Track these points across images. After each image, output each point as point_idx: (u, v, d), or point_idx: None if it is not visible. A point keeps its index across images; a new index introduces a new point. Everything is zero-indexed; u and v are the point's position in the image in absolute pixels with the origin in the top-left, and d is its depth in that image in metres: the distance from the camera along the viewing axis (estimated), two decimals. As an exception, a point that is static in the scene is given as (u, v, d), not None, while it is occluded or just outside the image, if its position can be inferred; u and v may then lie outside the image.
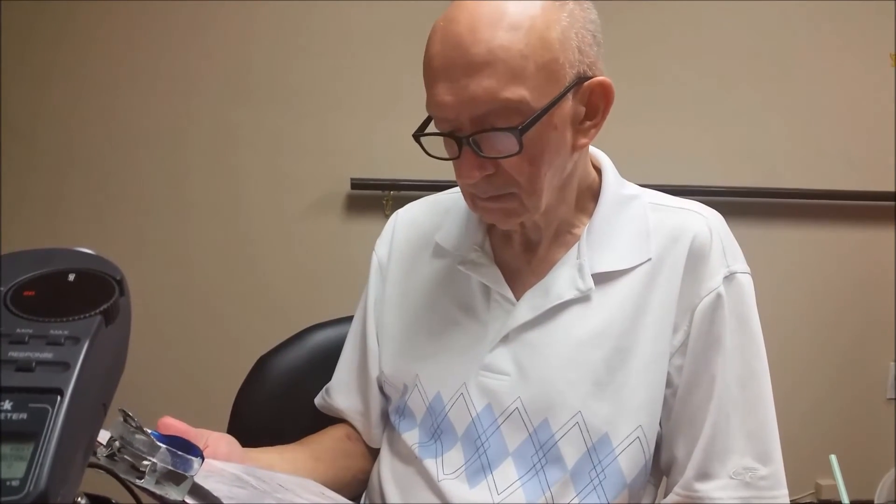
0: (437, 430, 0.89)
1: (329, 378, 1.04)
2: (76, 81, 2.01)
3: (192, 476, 0.53)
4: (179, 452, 0.53)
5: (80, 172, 2.04)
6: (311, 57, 2.07)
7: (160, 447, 0.52)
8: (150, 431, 0.54)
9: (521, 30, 0.73)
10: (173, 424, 0.70)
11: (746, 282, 0.86)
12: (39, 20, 1.98)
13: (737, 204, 2.20)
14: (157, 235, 2.07)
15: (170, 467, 0.52)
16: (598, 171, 0.91)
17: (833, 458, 0.86)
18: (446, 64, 0.74)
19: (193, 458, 0.53)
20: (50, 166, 2.03)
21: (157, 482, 0.51)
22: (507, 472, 0.84)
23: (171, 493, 0.52)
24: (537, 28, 0.73)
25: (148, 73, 2.03)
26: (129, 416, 0.53)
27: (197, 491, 0.55)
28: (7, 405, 0.35)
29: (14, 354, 0.37)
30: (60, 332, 0.39)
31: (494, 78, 0.72)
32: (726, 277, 0.84)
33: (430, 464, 0.88)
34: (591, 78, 0.78)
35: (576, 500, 0.83)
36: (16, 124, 2.00)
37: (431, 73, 0.76)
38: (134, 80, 2.03)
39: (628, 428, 0.83)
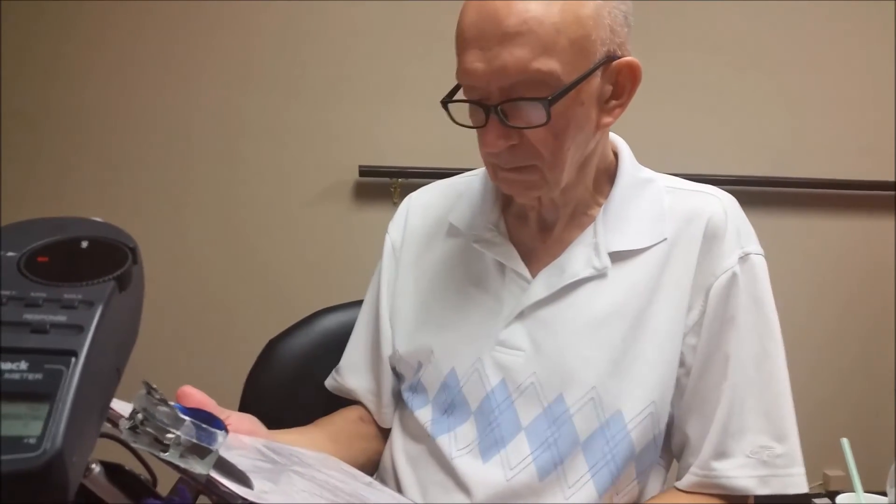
0: (451, 406, 0.90)
1: (338, 361, 1.04)
2: (82, 70, 2.01)
3: (217, 450, 0.52)
4: (204, 425, 0.52)
5: (85, 161, 2.04)
6: (319, 45, 2.06)
7: (185, 420, 0.51)
8: (173, 404, 0.53)
9: (556, 4, 0.74)
10: (192, 394, 0.70)
11: (760, 263, 0.87)
12: (45, 7, 1.98)
13: (747, 193, 2.18)
14: (166, 224, 2.07)
15: (194, 440, 0.51)
16: (616, 155, 0.92)
17: (844, 441, 0.85)
18: (479, 33, 0.75)
19: (218, 430, 0.53)
20: (54, 155, 2.03)
21: (182, 455, 0.51)
22: (520, 447, 0.85)
23: (196, 466, 0.51)
24: (572, 3, 0.75)
25: (155, 62, 2.03)
26: (152, 388, 0.52)
27: (221, 465, 0.54)
28: (23, 365, 0.35)
29: (29, 317, 0.37)
30: (74, 296, 0.39)
31: (527, 48, 0.73)
32: (741, 258, 0.85)
33: (442, 441, 0.88)
34: (620, 58, 0.80)
35: (588, 475, 0.84)
36: (20, 112, 1.99)
37: (464, 42, 0.77)
38: (141, 69, 2.03)
39: (641, 404, 0.84)
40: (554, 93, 0.75)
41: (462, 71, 0.78)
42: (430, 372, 0.92)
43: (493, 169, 0.84)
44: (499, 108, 0.76)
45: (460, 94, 0.81)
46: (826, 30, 2.21)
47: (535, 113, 0.76)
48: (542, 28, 0.73)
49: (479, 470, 0.85)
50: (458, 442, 0.88)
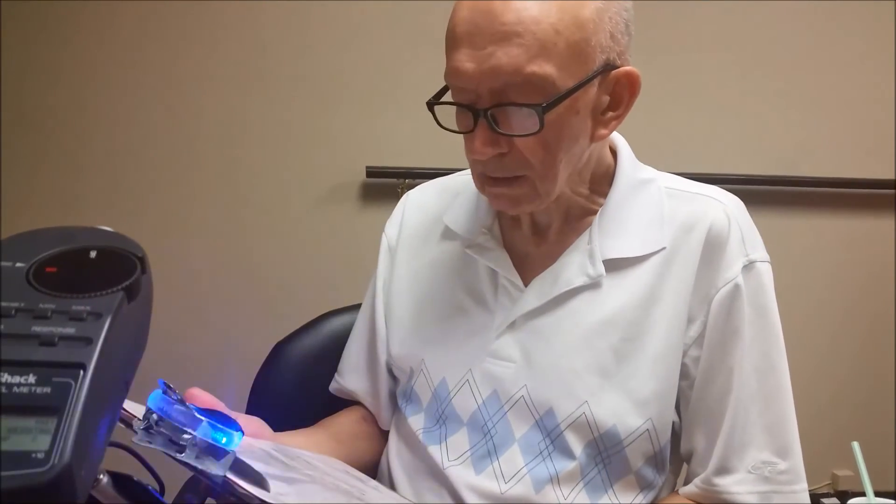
0: (442, 416, 0.89)
1: (343, 364, 1.04)
2: (85, 73, 2.01)
3: (234, 451, 0.52)
4: (220, 426, 0.51)
5: (88, 164, 2.04)
6: (324, 44, 2.06)
7: (202, 420, 0.51)
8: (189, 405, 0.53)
9: (556, 4, 0.70)
10: (200, 396, 0.68)
11: (766, 271, 0.83)
12: (48, 10, 1.98)
13: (753, 192, 2.18)
14: (171, 227, 2.07)
15: (210, 441, 0.50)
16: (614, 154, 0.89)
17: (855, 444, 0.84)
18: (472, 30, 0.71)
19: (234, 432, 0.52)
20: (57, 158, 2.03)
21: (197, 456, 0.50)
22: (514, 459, 0.83)
23: (212, 467, 0.50)
24: (572, 4, 0.71)
25: (157, 66, 2.03)
26: (169, 387, 0.52)
27: (237, 466, 0.54)
28: (31, 379, 0.35)
29: (37, 329, 0.37)
30: (83, 307, 0.38)
31: (522, 48, 0.69)
32: (745, 267, 0.81)
33: (434, 450, 0.87)
34: (619, 67, 0.76)
35: (583, 489, 0.82)
36: (23, 116, 2.00)
37: (454, 40, 0.73)
38: (143, 73, 2.02)
39: (637, 421, 0.81)
40: (548, 100, 0.70)
41: (451, 70, 0.73)
42: (421, 381, 0.91)
43: (482, 181, 0.80)
44: (489, 112, 0.72)
45: (448, 97, 0.77)
46: (829, 30, 2.20)
47: (528, 120, 0.71)
48: (539, 28, 0.69)
49: (472, 480, 0.84)
50: (449, 453, 0.86)
